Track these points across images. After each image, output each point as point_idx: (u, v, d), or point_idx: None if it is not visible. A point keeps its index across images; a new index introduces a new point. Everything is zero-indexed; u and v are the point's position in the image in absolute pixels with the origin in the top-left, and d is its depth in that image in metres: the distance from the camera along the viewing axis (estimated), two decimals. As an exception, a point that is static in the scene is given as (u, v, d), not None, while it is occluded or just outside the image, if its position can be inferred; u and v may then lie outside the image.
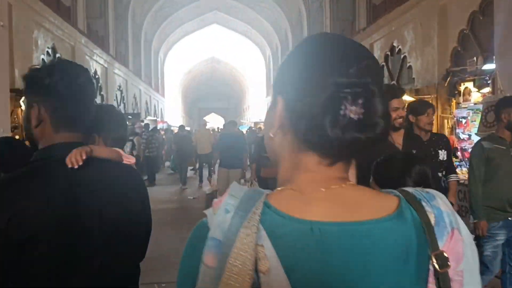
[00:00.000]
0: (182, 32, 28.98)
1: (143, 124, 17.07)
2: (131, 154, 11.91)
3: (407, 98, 9.24)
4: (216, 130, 25.54)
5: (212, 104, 55.32)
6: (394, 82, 11.17)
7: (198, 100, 54.80)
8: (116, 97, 17.56)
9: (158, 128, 17.80)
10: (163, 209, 9.01)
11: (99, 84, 14.96)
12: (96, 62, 14.46)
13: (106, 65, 15.58)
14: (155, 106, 28.45)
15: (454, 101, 8.28)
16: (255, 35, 29.30)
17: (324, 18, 16.94)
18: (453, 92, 8.24)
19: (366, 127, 0.59)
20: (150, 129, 14.65)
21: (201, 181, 12.86)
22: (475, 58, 7.58)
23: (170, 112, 35.65)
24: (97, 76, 14.67)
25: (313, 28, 19.36)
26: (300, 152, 0.64)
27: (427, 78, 9.04)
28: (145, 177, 13.59)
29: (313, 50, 0.64)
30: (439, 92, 8.51)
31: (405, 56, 10.30)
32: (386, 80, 11.69)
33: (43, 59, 10.10)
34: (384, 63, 11.57)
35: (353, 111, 0.58)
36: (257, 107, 35.78)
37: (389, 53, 11.26)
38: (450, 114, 8.37)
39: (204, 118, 53.95)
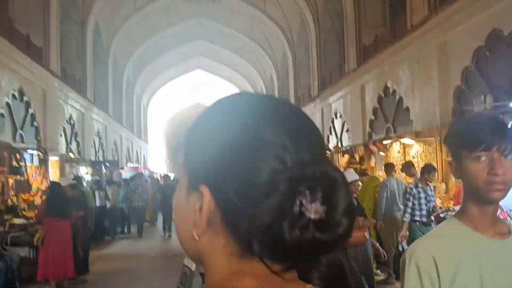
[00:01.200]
0: (165, 77, 28.52)
1: (122, 171, 16.05)
2: (103, 205, 10.80)
3: (408, 141, 8.51)
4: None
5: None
6: (389, 125, 10.49)
7: (182, 146, 54.18)
8: (94, 143, 16.57)
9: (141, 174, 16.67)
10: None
11: (74, 130, 14.01)
12: (71, 106, 13.58)
13: (83, 110, 14.70)
14: (137, 153, 27.44)
15: (461, 144, 7.54)
16: (239, 80, 28.98)
17: (311, 61, 16.53)
18: (459, 134, 7.51)
19: (328, 227, 0.49)
20: (134, 178, 13.71)
21: None
22: (482, 97, 6.91)
23: (153, 159, 34.62)
24: (72, 121, 13.75)
25: (299, 71, 18.98)
26: (242, 257, 0.52)
27: (428, 119, 8.35)
28: (119, 230, 12.38)
29: (250, 120, 0.52)
30: (443, 134, 7.77)
31: (401, 97, 9.66)
32: (380, 123, 11.02)
33: (7, 102, 9.20)
34: (378, 105, 10.94)
35: (312, 210, 0.48)
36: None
37: (382, 94, 10.65)
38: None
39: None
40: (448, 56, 7.86)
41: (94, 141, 16.50)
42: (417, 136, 8.28)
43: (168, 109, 36.47)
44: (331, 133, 14.80)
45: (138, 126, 27.80)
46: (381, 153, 10.57)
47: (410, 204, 5.63)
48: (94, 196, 10.60)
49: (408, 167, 6.80)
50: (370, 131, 11.50)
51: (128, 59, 21.77)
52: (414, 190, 5.68)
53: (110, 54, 18.57)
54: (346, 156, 11.90)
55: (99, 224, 10.49)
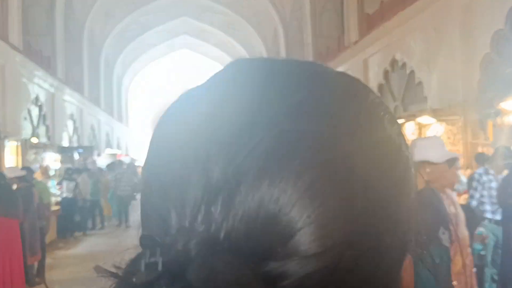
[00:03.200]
0: (149, 57, 26.93)
1: (98, 159, 14.68)
2: (73, 197, 9.46)
3: (427, 120, 7.27)
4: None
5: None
6: (397, 103, 9.26)
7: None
8: (67, 128, 15.10)
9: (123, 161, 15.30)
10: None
11: (42, 113, 12.55)
12: (38, 86, 12.08)
13: (52, 90, 13.20)
14: (118, 139, 25.94)
15: (491, 123, 6.36)
16: (228, 60, 27.35)
17: (305, 36, 15.16)
18: (489, 111, 6.32)
19: None
20: (112, 166, 12.55)
21: None
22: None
23: (137, 145, 33.12)
24: (39, 103, 12.27)
25: (292, 49, 17.62)
26: None
27: (447, 95, 7.11)
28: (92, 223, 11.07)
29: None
30: (468, 112, 6.57)
31: (412, 71, 8.40)
32: (387, 102, 9.77)
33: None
34: (384, 82, 9.68)
35: None
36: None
37: (389, 68, 9.38)
38: (485, 140, 6.42)
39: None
40: (474, 19, 6.59)
41: (67, 125, 15.03)
42: (435, 114, 7.04)
43: (153, 92, 34.94)
44: (327, 115, 13.54)
45: (119, 109, 26.26)
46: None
47: (477, 195, 4.34)
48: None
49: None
50: (373, 111, 10.25)
51: (107, 36, 20.17)
52: (484, 177, 4.44)
53: (85, 29, 16.97)
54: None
55: (67, 218, 9.17)
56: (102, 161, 14.85)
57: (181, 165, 0.26)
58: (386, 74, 9.56)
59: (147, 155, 0.30)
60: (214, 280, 0.22)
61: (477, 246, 4.08)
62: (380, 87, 9.85)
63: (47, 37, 13.35)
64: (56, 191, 9.27)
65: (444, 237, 2.22)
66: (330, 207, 0.24)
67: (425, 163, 2.33)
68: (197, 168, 0.25)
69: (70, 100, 15.17)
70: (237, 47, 24.21)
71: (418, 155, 2.33)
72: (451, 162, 2.41)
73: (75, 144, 15.24)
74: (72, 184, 9.50)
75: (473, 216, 4.30)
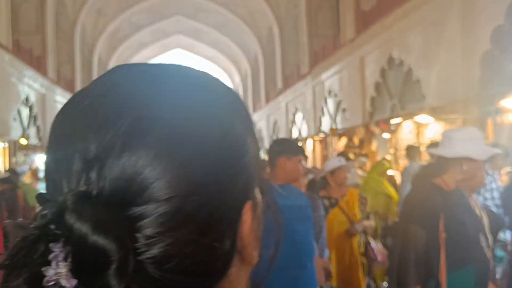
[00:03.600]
0: (142, 57, 26.64)
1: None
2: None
3: (425, 119, 7.09)
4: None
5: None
6: (395, 102, 9.07)
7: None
8: (59, 128, 14.81)
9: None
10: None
11: (33, 113, 12.28)
12: (28, 86, 11.81)
13: (43, 91, 12.94)
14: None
15: (491, 121, 6.18)
16: (222, 60, 27.26)
17: (300, 35, 14.96)
18: (489, 109, 6.13)
19: None
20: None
21: None
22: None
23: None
24: (30, 103, 12.01)
25: (287, 48, 17.43)
26: None
27: (447, 93, 6.92)
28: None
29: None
30: (469, 109, 6.38)
31: (410, 69, 8.21)
32: (383, 100, 9.58)
33: None
34: (380, 80, 9.49)
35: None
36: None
37: (386, 66, 9.19)
38: (485, 139, 6.23)
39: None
40: (475, 14, 6.40)
41: (59, 126, 14.74)
42: (434, 113, 6.86)
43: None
44: (323, 114, 13.34)
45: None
46: (385, 135, 9.18)
47: (480, 198, 3.65)
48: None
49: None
50: (371, 110, 10.06)
51: (100, 35, 19.88)
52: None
53: (77, 27, 16.69)
54: (343, 140, 10.50)
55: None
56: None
57: (68, 146, 0.35)
58: (383, 72, 9.36)
59: (48, 140, 0.39)
60: (82, 221, 0.31)
61: (499, 252, 3.61)
62: (377, 85, 9.66)
63: (37, 36, 13.08)
64: (46, 194, 9.00)
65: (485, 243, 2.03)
66: (174, 167, 0.34)
67: (462, 159, 2.01)
68: (79, 147, 0.35)
69: (62, 100, 14.91)
70: (232, 47, 23.98)
71: (454, 149, 2.02)
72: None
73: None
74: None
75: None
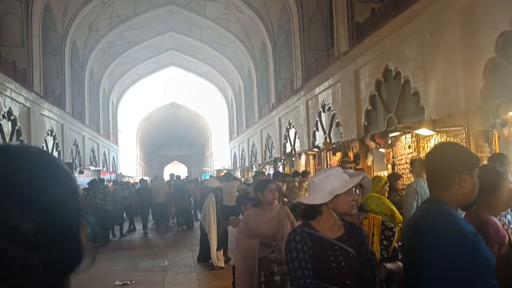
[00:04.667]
0: (136, 74, 26.32)
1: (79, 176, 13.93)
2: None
3: (425, 133, 6.69)
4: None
5: (174, 152, 52.90)
6: (391, 115, 8.70)
7: (159, 147, 52.22)
8: (46, 143, 14.34)
9: (105, 178, 14.52)
10: None
11: (16, 127, 11.81)
12: (10, 99, 11.37)
13: (28, 104, 12.50)
14: (105, 155, 25.12)
15: (495, 133, 5.81)
16: (215, 76, 26.96)
17: (294, 49, 14.68)
18: (493, 121, 5.76)
19: None
20: (91, 184, 11.99)
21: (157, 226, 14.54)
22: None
23: (125, 161, 32.26)
24: (12, 117, 11.55)
25: (280, 62, 17.15)
26: None
27: (447, 105, 6.56)
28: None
29: None
30: (471, 121, 6.01)
31: (407, 81, 7.87)
32: (379, 114, 9.21)
33: None
34: (376, 93, 9.13)
35: None
36: (220, 154, 33.31)
37: (382, 79, 8.85)
38: (489, 153, 5.85)
39: (166, 166, 51.38)
40: (477, 21, 6.08)
41: (45, 141, 14.26)
42: (434, 125, 6.48)
43: (142, 109, 34.21)
44: (317, 129, 12.96)
45: (105, 126, 25.49)
46: (381, 150, 8.78)
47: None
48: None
49: None
50: (366, 123, 9.68)
51: (92, 50, 19.54)
52: None
53: (67, 42, 16.34)
54: (338, 154, 10.09)
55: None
56: (82, 179, 14.05)
57: None
58: (378, 84, 9.02)
59: None
60: None
61: None
62: (372, 98, 9.31)
63: (22, 48, 12.69)
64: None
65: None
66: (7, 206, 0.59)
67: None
68: None
69: (49, 115, 14.45)
70: (225, 63, 23.71)
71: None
72: None
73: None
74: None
75: None
